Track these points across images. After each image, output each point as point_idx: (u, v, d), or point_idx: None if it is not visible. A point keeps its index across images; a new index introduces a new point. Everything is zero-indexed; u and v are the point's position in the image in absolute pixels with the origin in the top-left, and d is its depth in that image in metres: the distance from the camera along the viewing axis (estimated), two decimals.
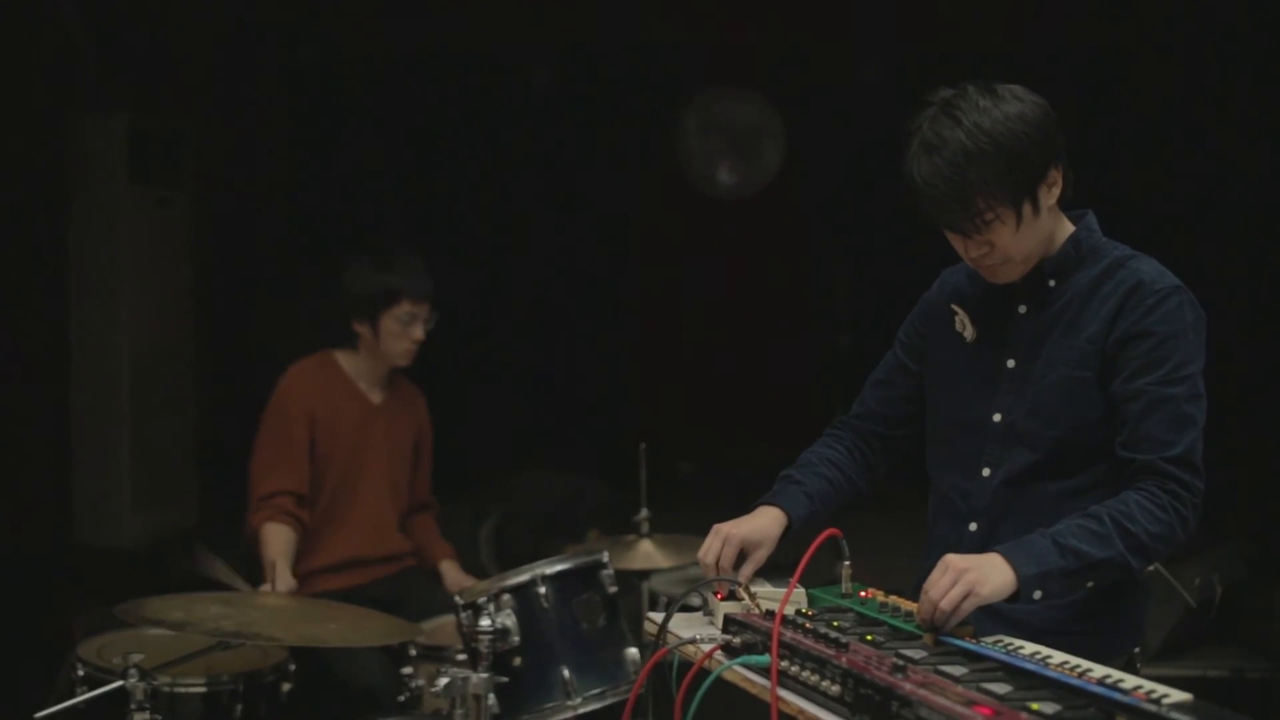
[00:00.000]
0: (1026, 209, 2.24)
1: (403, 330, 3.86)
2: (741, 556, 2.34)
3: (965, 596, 1.99)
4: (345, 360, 3.96)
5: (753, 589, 2.23)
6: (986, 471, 2.36)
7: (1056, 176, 2.28)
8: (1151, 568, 4.01)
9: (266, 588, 3.33)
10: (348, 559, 3.85)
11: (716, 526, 2.36)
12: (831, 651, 1.87)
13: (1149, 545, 2.13)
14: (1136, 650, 2.40)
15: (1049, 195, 2.28)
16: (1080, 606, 2.27)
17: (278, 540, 3.65)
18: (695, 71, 7.37)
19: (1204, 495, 2.20)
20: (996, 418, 2.35)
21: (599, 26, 6.76)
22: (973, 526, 2.36)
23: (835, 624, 2.02)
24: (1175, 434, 2.18)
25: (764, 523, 2.38)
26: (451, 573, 4.04)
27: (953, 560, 2.04)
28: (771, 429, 6.94)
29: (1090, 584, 2.16)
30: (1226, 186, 5.57)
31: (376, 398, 3.98)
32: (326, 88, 7.03)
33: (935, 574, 2.04)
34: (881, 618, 2.10)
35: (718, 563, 2.32)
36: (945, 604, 1.99)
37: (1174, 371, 2.21)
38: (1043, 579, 2.06)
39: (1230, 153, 5.54)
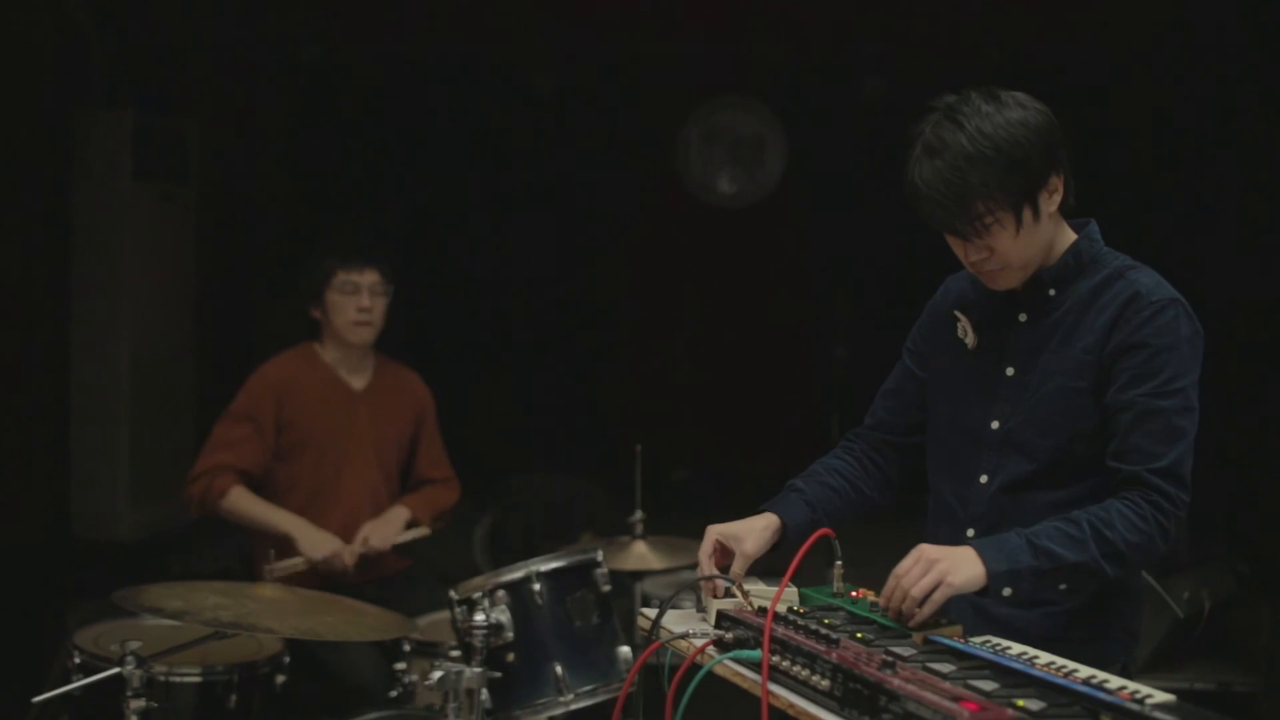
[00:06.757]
0: (1026, 214, 2.25)
1: (345, 300, 3.86)
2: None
3: (936, 586, 2.02)
4: (323, 350, 3.98)
5: (746, 587, 2.24)
6: (984, 479, 2.36)
7: (1058, 184, 2.29)
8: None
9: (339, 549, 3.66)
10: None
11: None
12: (822, 647, 1.89)
13: (1125, 553, 2.13)
14: (1130, 660, 2.41)
15: (1049, 202, 2.28)
16: (1075, 614, 2.28)
17: (258, 502, 3.74)
18: (697, 81, 7.40)
19: (1189, 508, 2.20)
20: (994, 425, 2.36)
21: (601, 34, 6.78)
22: (970, 532, 2.37)
23: (826, 621, 2.04)
24: (1163, 446, 2.19)
25: (753, 522, 2.38)
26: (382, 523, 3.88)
27: (926, 550, 2.07)
28: (767, 438, 6.97)
29: (1063, 586, 2.16)
30: (1227, 199, 5.59)
31: (359, 383, 3.99)
32: (329, 87, 7.06)
33: (908, 562, 2.06)
34: (872, 617, 2.11)
35: (709, 559, 2.34)
36: (916, 591, 2.02)
37: (1166, 384, 2.21)
38: (1012, 576, 2.08)
39: (1232, 162, 5.57)
